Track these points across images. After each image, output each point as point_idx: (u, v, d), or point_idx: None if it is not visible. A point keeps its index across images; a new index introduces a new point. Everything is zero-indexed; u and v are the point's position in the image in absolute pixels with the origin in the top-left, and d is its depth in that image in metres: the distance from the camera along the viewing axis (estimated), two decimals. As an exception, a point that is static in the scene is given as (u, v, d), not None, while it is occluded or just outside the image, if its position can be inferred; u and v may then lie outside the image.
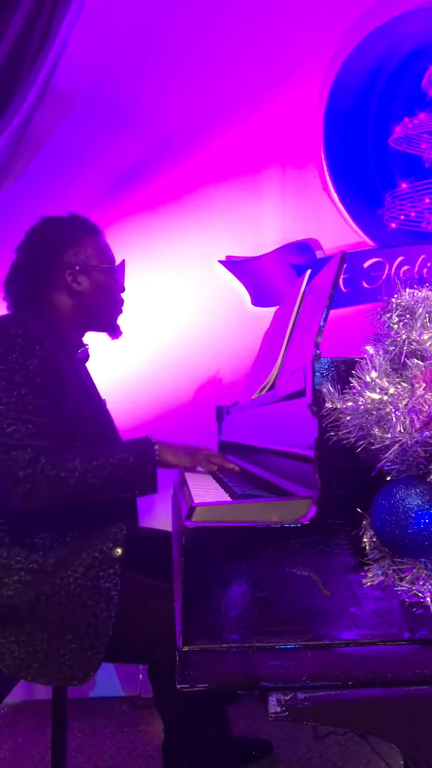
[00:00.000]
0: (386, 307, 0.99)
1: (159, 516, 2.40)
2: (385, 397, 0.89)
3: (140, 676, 2.42)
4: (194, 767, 1.39)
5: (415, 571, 0.91)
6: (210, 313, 2.64)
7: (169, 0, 2.59)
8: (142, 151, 2.60)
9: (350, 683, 0.95)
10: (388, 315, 0.98)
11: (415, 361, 0.93)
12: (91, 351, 1.74)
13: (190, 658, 0.93)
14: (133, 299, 1.86)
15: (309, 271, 1.60)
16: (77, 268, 1.62)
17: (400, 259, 2.65)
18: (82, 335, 1.71)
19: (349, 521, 0.96)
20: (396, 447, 0.87)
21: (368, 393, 0.91)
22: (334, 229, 2.68)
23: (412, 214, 2.66)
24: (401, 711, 0.98)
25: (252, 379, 1.94)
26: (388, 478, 0.92)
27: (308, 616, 0.95)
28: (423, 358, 0.93)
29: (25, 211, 1.94)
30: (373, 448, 0.90)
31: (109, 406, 1.77)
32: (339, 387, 0.96)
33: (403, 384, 0.91)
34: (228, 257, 2.65)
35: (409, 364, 0.93)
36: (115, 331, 1.74)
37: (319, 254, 2.66)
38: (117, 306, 1.73)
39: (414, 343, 0.94)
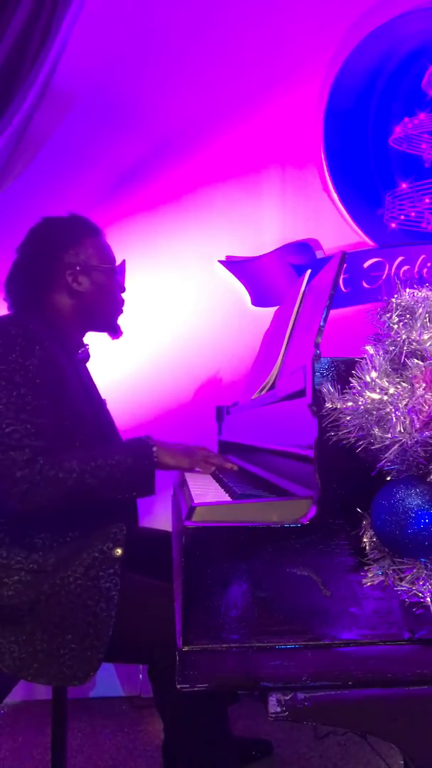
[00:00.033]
0: (386, 307, 1.00)
1: (159, 516, 2.40)
2: (385, 397, 0.89)
3: (140, 676, 2.42)
4: (194, 767, 1.39)
5: (415, 571, 0.91)
6: (210, 313, 2.64)
7: (169, 0, 2.59)
8: (142, 151, 2.60)
9: (350, 683, 0.95)
10: (388, 315, 0.98)
11: (415, 361, 0.93)
12: (91, 351, 1.74)
13: (190, 658, 0.93)
14: (133, 299, 1.86)
15: (309, 271, 1.60)
16: (78, 268, 1.62)
17: (400, 259, 2.65)
18: (83, 335, 1.71)
19: (349, 521, 0.96)
20: (396, 447, 0.87)
21: (368, 393, 0.91)
22: (334, 229, 2.68)
23: (412, 214, 2.66)
24: (401, 711, 0.98)
25: (252, 379, 1.94)
26: (388, 478, 0.92)
27: (308, 616, 0.95)
28: (423, 358, 0.93)
29: (25, 211, 1.95)
30: (373, 448, 0.90)
31: (110, 406, 1.77)
32: (339, 387, 0.96)
33: (403, 384, 0.91)
34: (228, 257, 2.65)
35: (409, 364, 0.93)
36: (115, 332, 1.74)
37: (319, 254, 2.66)
38: (117, 306, 1.73)
39: (414, 343, 0.94)
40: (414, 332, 0.95)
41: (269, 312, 2.34)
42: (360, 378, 0.93)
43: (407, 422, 0.87)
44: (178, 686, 0.93)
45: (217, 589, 0.93)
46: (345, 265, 2.49)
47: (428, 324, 0.96)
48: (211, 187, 2.65)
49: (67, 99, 2.54)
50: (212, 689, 0.94)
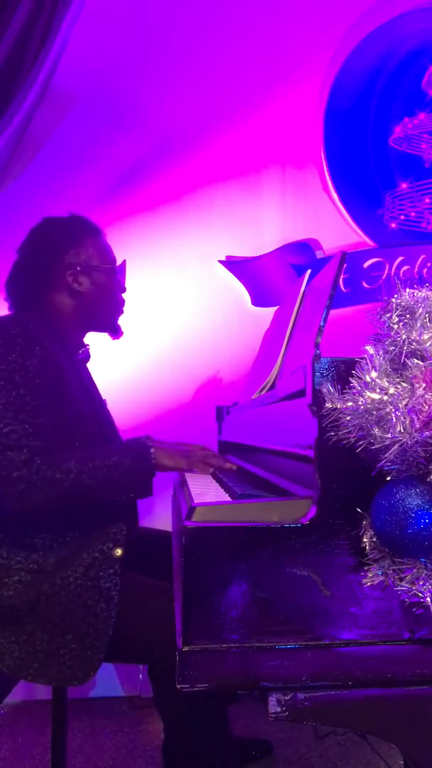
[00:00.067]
0: (386, 307, 0.99)
1: (159, 516, 2.40)
2: (385, 397, 0.89)
3: (140, 676, 2.42)
4: (194, 767, 1.39)
5: (415, 571, 0.91)
6: (210, 313, 2.64)
7: (169, 0, 2.59)
8: (142, 151, 2.60)
9: (350, 683, 0.95)
10: (388, 315, 0.98)
11: (415, 361, 0.93)
12: (91, 351, 1.74)
13: (190, 658, 0.93)
14: (134, 299, 1.86)
15: (309, 271, 1.60)
16: (78, 268, 1.62)
17: (400, 259, 2.65)
18: (83, 335, 1.71)
19: (349, 521, 0.96)
20: (396, 447, 0.87)
21: (368, 393, 0.91)
22: (334, 229, 2.68)
23: (412, 214, 2.66)
24: (401, 711, 0.98)
25: (252, 379, 1.94)
26: (388, 478, 0.92)
27: (308, 616, 0.95)
28: (423, 358, 0.93)
29: (25, 211, 1.95)
30: (373, 448, 0.90)
31: (110, 406, 1.77)
32: (339, 387, 0.96)
33: (403, 384, 0.91)
34: (228, 257, 2.65)
35: (409, 364, 0.93)
36: (116, 332, 1.74)
37: (319, 254, 2.66)
38: (118, 306, 1.73)
39: (414, 343, 0.94)
40: (414, 332, 0.95)
41: (269, 312, 2.34)
42: (360, 378, 0.93)
43: (407, 422, 0.87)
44: (178, 686, 0.93)
45: (217, 589, 0.93)
46: (345, 265, 2.49)
47: (428, 324, 0.96)
48: (211, 187, 2.65)
49: (67, 99, 2.54)
50: (212, 689, 0.94)
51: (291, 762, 1.99)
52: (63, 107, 2.54)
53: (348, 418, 0.91)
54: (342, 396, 0.94)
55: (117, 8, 2.56)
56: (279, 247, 2.64)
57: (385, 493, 0.91)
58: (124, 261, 1.72)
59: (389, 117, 2.67)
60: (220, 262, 2.64)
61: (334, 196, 2.67)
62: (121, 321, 1.75)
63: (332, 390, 0.95)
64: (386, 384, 0.91)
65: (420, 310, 0.96)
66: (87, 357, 1.72)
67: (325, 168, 2.67)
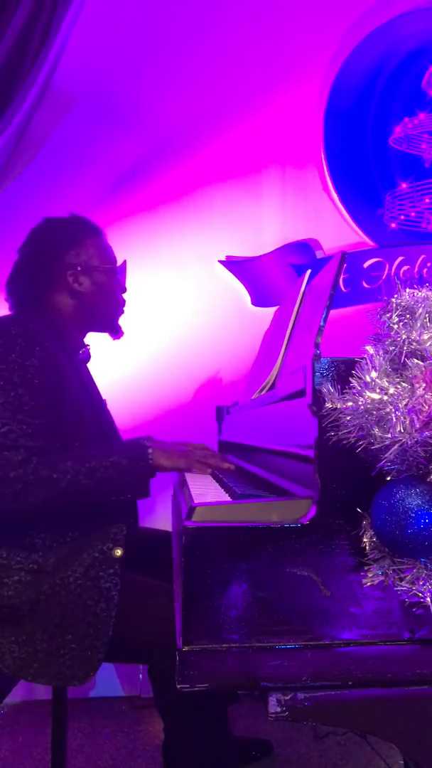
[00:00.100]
0: (386, 307, 0.99)
1: (159, 516, 2.40)
2: (385, 397, 0.89)
3: (140, 676, 2.42)
4: (194, 767, 1.39)
5: (415, 571, 0.91)
6: (210, 313, 2.64)
7: (169, 0, 2.59)
8: (142, 151, 2.60)
9: (350, 683, 0.95)
10: (388, 315, 0.98)
11: (415, 361, 0.93)
12: (91, 351, 1.73)
13: (190, 658, 0.93)
14: (134, 299, 1.86)
15: (309, 271, 1.60)
16: (79, 268, 1.62)
17: (400, 259, 2.65)
18: (84, 336, 1.71)
19: (349, 521, 0.96)
20: (396, 447, 0.87)
21: (368, 393, 0.91)
22: (334, 229, 2.68)
23: (412, 214, 2.66)
24: (401, 711, 0.98)
25: (252, 379, 1.94)
26: (388, 478, 0.92)
27: (308, 616, 0.95)
28: (423, 358, 0.93)
29: (25, 211, 1.95)
30: (373, 448, 0.90)
31: (110, 406, 1.77)
32: (339, 387, 0.96)
33: (403, 384, 0.91)
34: (228, 257, 2.65)
35: (409, 364, 0.93)
36: (116, 332, 1.74)
37: (319, 254, 2.66)
38: (118, 306, 1.73)
39: (414, 343, 0.94)
40: (414, 332, 0.95)
41: (269, 312, 2.34)
42: (360, 378, 0.93)
43: (407, 422, 0.87)
44: (178, 686, 0.93)
45: (217, 589, 0.93)
46: (345, 265, 2.49)
47: (428, 324, 0.96)
48: (211, 187, 2.65)
49: (67, 99, 2.54)
50: (212, 689, 0.94)
51: (291, 762, 1.99)
52: (63, 107, 2.54)
53: (348, 418, 0.91)
54: (342, 396, 0.94)
55: (117, 8, 2.56)
56: (279, 247, 2.64)
57: (385, 493, 0.91)
58: (125, 261, 1.72)
59: (389, 117, 2.67)
60: (220, 262, 2.64)
61: (334, 196, 2.67)
62: (122, 321, 1.75)
63: (332, 390, 0.95)
64: (386, 384, 0.91)
65: (420, 310, 0.96)
66: (87, 357, 1.72)
67: (325, 168, 2.67)
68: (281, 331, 1.61)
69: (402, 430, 0.87)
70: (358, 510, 0.96)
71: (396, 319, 0.97)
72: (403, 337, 0.95)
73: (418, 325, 0.95)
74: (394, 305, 0.98)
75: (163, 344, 2.60)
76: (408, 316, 0.97)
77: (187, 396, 2.60)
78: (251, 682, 0.94)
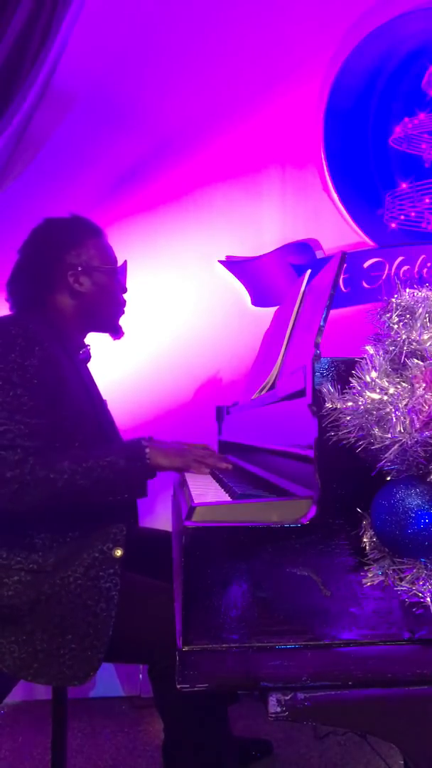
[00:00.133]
0: (386, 307, 1.00)
1: (159, 516, 2.40)
2: (385, 397, 0.89)
3: (140, 676, 2.42)
4: (194, 767, 1.39)
5: (415, 571, 0.91)
6: (210, 313, 2.64)
7: (169, 0, 2.59)
8: (142, 151, 2.60)
9: (350, 683, 0.95)
10: (388, 315, 0.98)
11: (415, 361, 0.93)
12: (91, 351, 1.73)
13: (190, 658, 0.93)
14: (134, 299, 1.86)
15: (309, 271, 1.60)
16: (79, 269, 1.62)
17: (400, 259, 2.65)
18: (84, 336, 1.71)
19: (349, 521, 0.96)
20: (396, 447, 0.87)
21: (368, 393, 0.91)
22: (334, 229, 2.68)
23: (412, 214, 2.66)
24: (401, 711, 0.98)
25: (252, 379, 1.94)
26: (388, 478, 0.92)
27: (308, 616, 0.95)
28: (423, 358, 0.93)
29: (25, 211, 1.95)
30: (373, 448, 0.90)
31: (110, 406, 1.77)
32: (339, 387, 0.96)
33: (403, 384, 0.91)
34: (228, 257, 2.65)
35: (409, 364, 0.93)
36: (117, 332, 1.74)
37: (319, 254, 2.66)
38: (119, 307, 1.73)
39: (414, 343, 0.94)
40: (414, 332, 0.95)
41: (269, 312, 2.34)
42: (360, 378, 0.93)
43: (407, 422, 0.87)
44: (178, 686, 0.94)
45: (217, 589, 0.93)
46: (345, 265, 2.49)
47: (428, 324, 0.96)
48: (211, 187, 2.65)
49: (67, 99, 2.54)
50: (212, 689, 0.94)
51: (291, 762, 1.99)
52: (63, 107, 2.54)
53: (348, 418, 0.91)
54: (342, 396, 0.94)
55: (117, 8, 2.56)
56: (279, 247, 2.64)
57: (385, 493, 0.91)
58: (125, 261, 1.72)
59: (389, 117, 2.67)
60: (220, 262, 2.64)
61: (334, 196, 2.67)
62: (122, 321, 1.75)
63: (332, 390, 0.95)
64: (386, 384, 0.91)
65: (420, 310, 0.96)
66: (88, 357, 1.72)
67: (325, 168, 2.67)
68: (281, 331, 1.61)
69: (402, 430, 0.87)
70: (358, 510, 0.96)
71: (396, 319, 0.97)
72: (403, 337, 0.95)
73: (418, 325, 0.95)
74: (394, 305, 0.98)
75: (163, 344, 2.60)
76: (408, 316, 0.97)
77: (187, 396, 2.60)
78: (251, 682, 0.94)
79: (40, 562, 1.43)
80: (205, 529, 0.95)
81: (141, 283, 2.52)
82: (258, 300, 2.65)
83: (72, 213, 1.71)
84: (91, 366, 1.74)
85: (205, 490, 1.30)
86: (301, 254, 2.64)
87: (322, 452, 0.97)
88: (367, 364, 0.94)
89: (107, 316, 1.70)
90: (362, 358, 0.96)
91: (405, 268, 2.65)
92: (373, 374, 0.92)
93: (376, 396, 0.90)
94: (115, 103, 2.58)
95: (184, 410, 2.58)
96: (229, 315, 2.64)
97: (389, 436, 0.88)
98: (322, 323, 1.16)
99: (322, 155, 2.67)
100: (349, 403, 0.92)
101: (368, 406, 0.90)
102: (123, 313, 1.74)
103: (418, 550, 0.90)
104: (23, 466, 1.35)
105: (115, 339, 1.75)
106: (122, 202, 2.59)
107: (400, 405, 0.88)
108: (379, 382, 0.91)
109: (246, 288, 2.65)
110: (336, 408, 0.93)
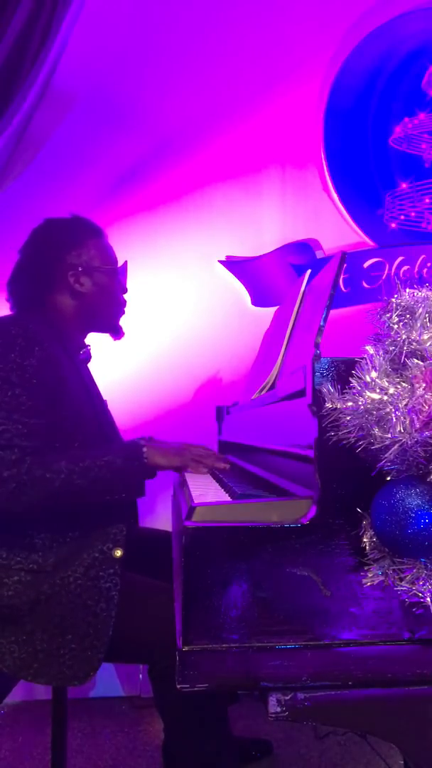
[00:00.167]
0: (386, 307, 1.00)
1: (159, 516, 2.40)
2: (385, 397, 0.89)
3: (140, 676, 2.42)
4: (194, 767, 1.39)
5: (415, 571, 0.91)
6: (210, 313, 2.64)
7: (169, 0, 2.59)
8: (142, 151, 2.60)
9: (350, 683, 0.95)
10: (388, 315, 0.98)
11: (415, 361, 0.93)
12: (92, 351, 1.73)
13: (190, 658, 0.93)
14: (134, 299, 1.86)
15: (309, 271, 1.60)
16: (80, 269, 1.62)
17: (400, 259, 2.65)
18: (85, 336, 1.71)
19: (349, 521, 0.96)
20: (396, 447, 0.87)
21: (368, 393, 0.91)
22: (334, 229, 2.68)
23: (412, 214, 2.66)
24: (401, 711, 0.98)
25: (252, 379, 1.94)
26: (388, 478, 0.92)
27: (308, 616, 0.95)
28: (423, 358, 0.93)
29: (25, 211, 1.95)
30: (373, 448, 0.90)
31: (110, 406, 1.77)
32: (339, 387, 0.96)
33: (403, 384, 0.91)
34: (228, 257, 2.65)
35: (409, 364, 0.93)
36: (117, 332, 1.74)
37: (319, 254, 2.66)
38: (119, 307, 1.73)
39: (414, 343, 0.94)
40: (414, 332, 0.95)
41: (269, 312, 2.34)
42: (360, 378, 0.93)
43: (407, 422, 0.87)
44: (178, 686, 0.94)
45: (217, 589, 0.93)
46: (345, 265, 2.49)
47: (428, 324, 0.96)
48: (211, 187, 2.65)
49: (67, 99, 2.54)
50: (212, 689, 0.94)
51: (291, 762, 1.99)
52: (63, 107, 2.54)
53: (348, 418, 0.91)
54: (342, 396, 0.94)
55: (117, 8, 2.56)
56: (279, 247, 2.64)
57: (385, 493, 0.91)
58: (126, 262, 1.72)
59: (389, 117, 2.68)
60: (220, 262, 2.64)
61: (334, 196, 2.67)
62: (122, 321, 1.75)
63: (332, 390, 0.95)
64: (386, 384, 0.91)
65: (420, 310, 0.96)
66: (88, 357, 1.72)
67: (325, 168, 2.67)
68: (281, 331, 1.61)
69: (402, 430, 0.87)
70: (358, 510, 0.96)
71: (396, 319, 0.97)
72: (403, 337, 0.95)
73: (418, 325, 0.95)
74: (394, 305, 0.98)
75: (163, 344, 2.60)
76: (408, 316, 0.97)
77: (187, 396, 2.60)
78: (251, 682, 0.94)
79: (40, 562, 1.43)
80: (205, 529, 0.95)
81: (141, 283, 2.52)
82: (258, 300, 2.65)
83: (72, 213, 1.71)
84: (92, 366, 1.74)
85: (205, 490, 1.30)
86: (301, 254, 2.64)
87: (322, 452, 0.97)
88: (367, 364, 0.94)
89: (108, 316, 1.70)
90: (362, 358, 0.96)
91: (405, 268, 2.65)
92: (373, 374, 0.92)
93: (376, 396, 0.90)
94: (115, 103, 2.58)
95: (184, 410, 2.58)
96: (229, 315, 2.64)
97: (389, 436, 0.88)
98: (322, 323, 1.16)
99: (322, 155, 2.67)
100: (349, 403, 0.92)
101: (368, 406, 0.90)
102: (123, 313, 1.74)
103: (418, 550, 0.90)
104: (20, 465, 1.35)
105: (115, 339, 1.75)
106: (122, 202, 2.59)
107: (400, 405, 0.88)
108: (379, 382, 0.91)
109: (246, 288, 2.65)
110: (336, 408, 0.93)
